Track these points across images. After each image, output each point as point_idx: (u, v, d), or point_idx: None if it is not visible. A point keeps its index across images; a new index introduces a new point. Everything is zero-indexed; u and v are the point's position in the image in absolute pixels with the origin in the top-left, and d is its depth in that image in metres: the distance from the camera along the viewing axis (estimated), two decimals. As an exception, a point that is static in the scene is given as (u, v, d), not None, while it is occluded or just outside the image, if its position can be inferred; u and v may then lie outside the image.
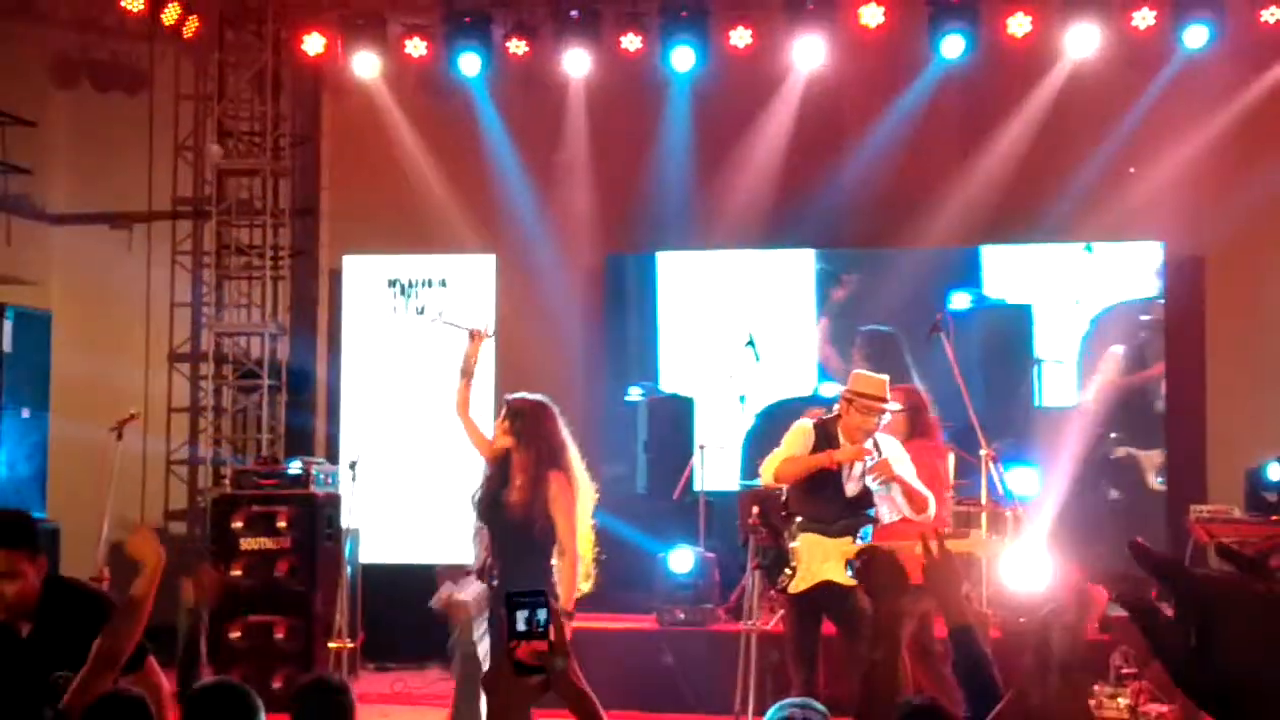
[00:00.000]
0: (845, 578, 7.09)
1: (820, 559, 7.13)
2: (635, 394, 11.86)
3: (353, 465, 10.08)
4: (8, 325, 10.64)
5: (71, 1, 12.42)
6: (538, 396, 6.92)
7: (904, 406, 7.46)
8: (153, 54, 12.67)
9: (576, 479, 6.75)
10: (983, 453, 9.51)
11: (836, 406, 7.37)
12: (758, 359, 10.39)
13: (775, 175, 11.54)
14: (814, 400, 10.38)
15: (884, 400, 7.21)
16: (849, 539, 7.12)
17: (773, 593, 7.60)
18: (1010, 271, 11.62)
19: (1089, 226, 11.19)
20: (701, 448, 10.60)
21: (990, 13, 11.06)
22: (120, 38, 12.53)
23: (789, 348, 11.54)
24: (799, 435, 7.32)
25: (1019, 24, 10.96)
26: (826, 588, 7.13)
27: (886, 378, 7.38)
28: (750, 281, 11.87)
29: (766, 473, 7.35)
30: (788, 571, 7.17)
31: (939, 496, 7.44)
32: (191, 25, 11.95)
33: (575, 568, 6.60)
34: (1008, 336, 11.44)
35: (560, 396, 11.69)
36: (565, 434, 6.85)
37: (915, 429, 7.71)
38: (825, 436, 7.27)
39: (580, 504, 6.77)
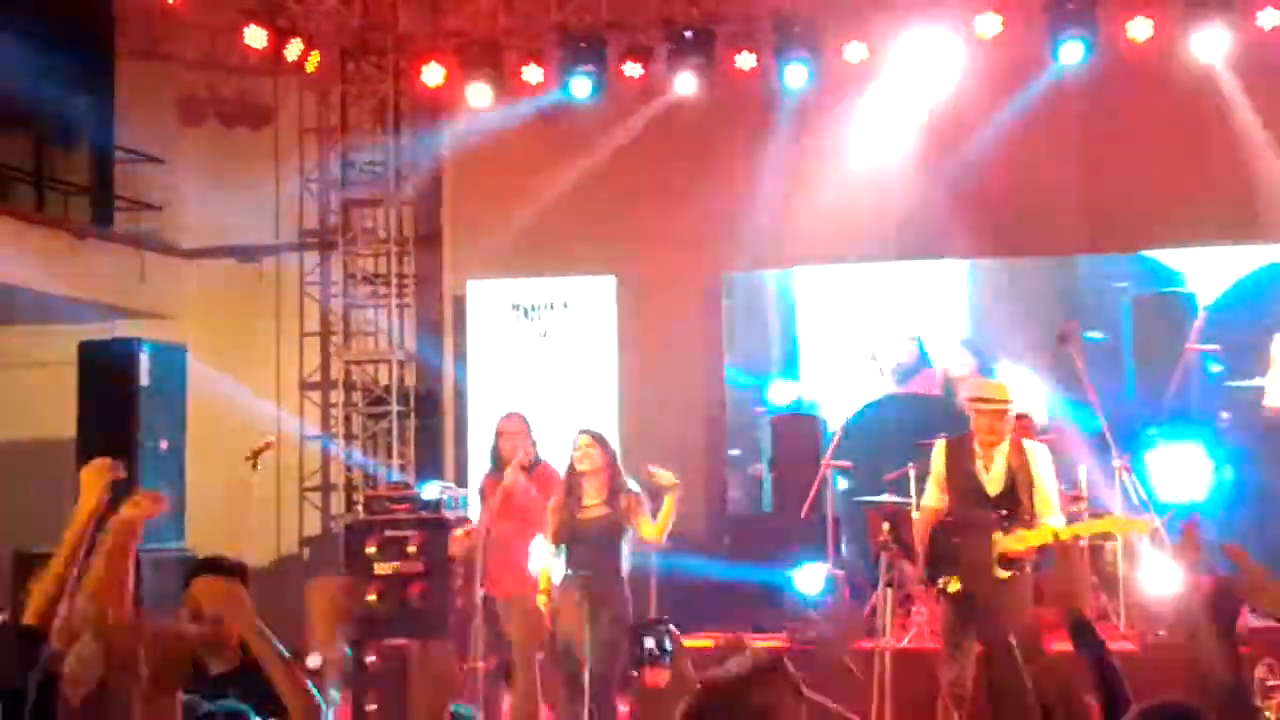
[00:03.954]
0: (1000, 573, 7.06)
1: (975, 557, 7.12)
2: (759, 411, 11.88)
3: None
4: (145, 360, 10.88)
5: (197, 41, 12.71)
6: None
7: (1008, 404, 7.37)
8: (277, 89, 12.92)
9: None
10: (1116, 463, 9.37)
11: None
12: (883, 374, 10.33)
13: (895, 187, 11.46)
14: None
15: (996, 401, 7.20)
16: (999, 534, 7.10)
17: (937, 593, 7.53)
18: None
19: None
20: (830, 466, 10.54)
21: (1109, 18, 10.89)
22: (245, 74, 12.80)
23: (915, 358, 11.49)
24: (935, 455, 7.42)
25: (1140, 28, 10.78)
26: (983, 584, 7.10)
27: (1005, 381, 7.40)
28: (877, 295, 11.82)
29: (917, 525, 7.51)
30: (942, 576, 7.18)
31: None
32: (314, 60, 12.16)
33: None
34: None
35: (682, 414, 11.82)
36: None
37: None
38: (959, 450, 7.29)
39: None
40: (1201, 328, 10.87)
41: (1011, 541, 7.02)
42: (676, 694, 2.85)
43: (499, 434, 8.50)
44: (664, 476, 7.36)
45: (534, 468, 8.25)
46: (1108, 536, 9.03)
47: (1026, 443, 7.36)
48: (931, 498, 7.46)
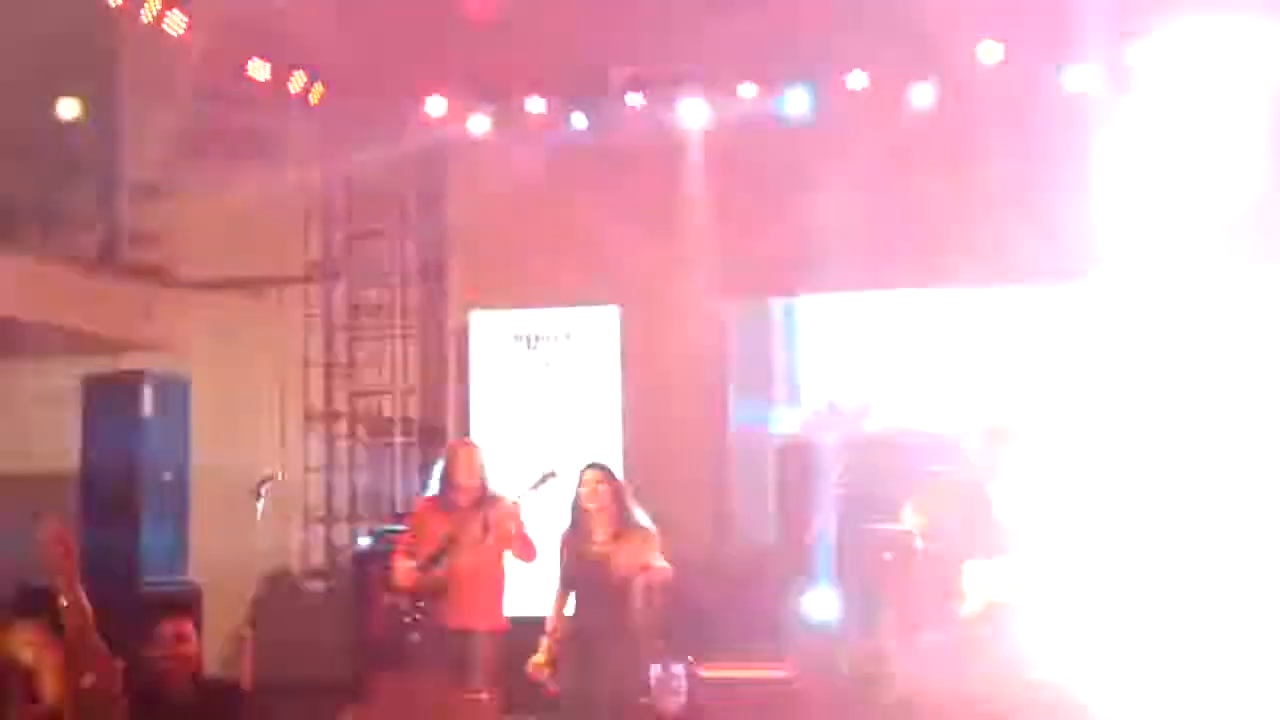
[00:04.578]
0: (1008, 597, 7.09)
1: (984, 584, 7.13)
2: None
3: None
4: (148, 392, 10.90)
5: (200, 73, 12.75)
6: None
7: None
8: (281, 122, 12.95)
9: None
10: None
11: None
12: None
13: (898, 212, 11.47)
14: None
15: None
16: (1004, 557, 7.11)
17: None
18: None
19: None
20: (835, 491, 10.53)
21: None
22: (249, 107, 12.82)
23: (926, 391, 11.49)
24: None
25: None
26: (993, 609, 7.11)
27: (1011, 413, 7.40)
28: (885, 323, 11.82)
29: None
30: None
31: None
32: (317, 92, 12.20)
33: None
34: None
35: (686, 443, 11.82)
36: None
37: None
38: None
39: None
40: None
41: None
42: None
43: (450, 459, 8.31)
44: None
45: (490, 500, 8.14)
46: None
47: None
48: None
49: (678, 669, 7.32)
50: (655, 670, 7.50)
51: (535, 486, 7.89)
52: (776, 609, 9.94)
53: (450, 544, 7.90)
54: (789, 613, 9.81)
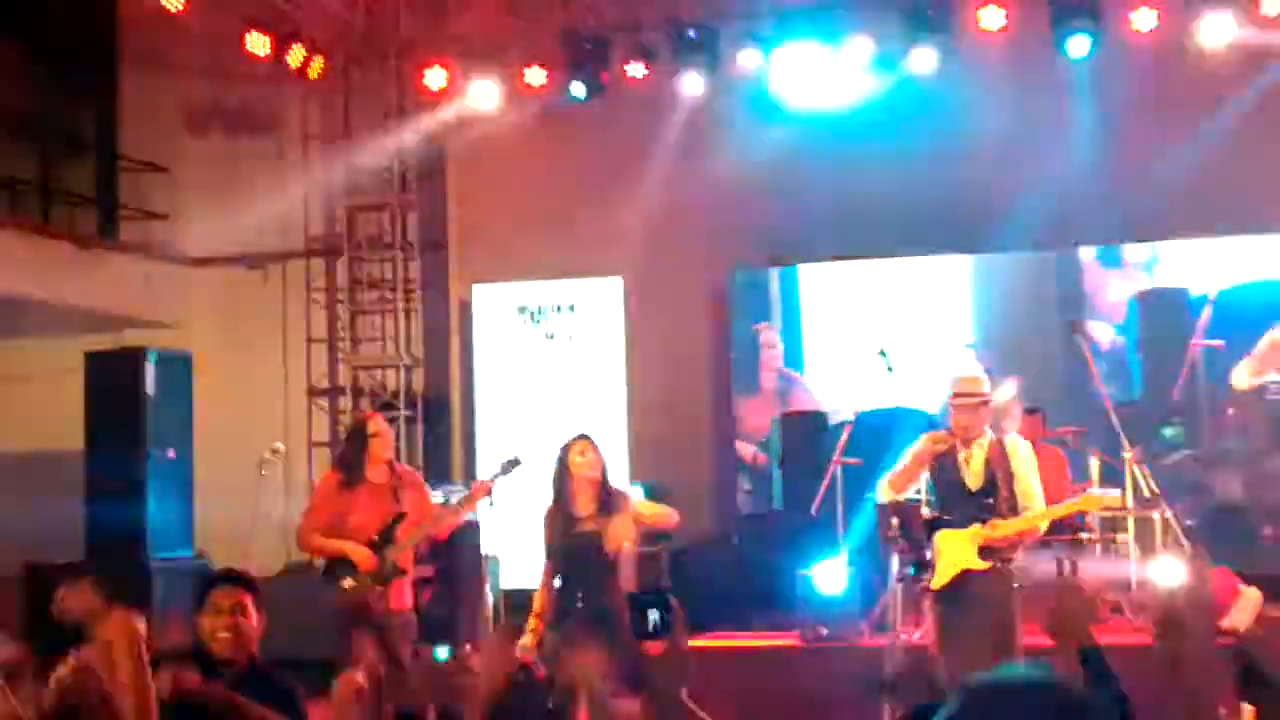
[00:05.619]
0: (979, 564, 7.04)
1: (955, 551, 7.10)
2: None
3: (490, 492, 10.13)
4: (150, 369, 10.89)
5: (201, 50, 12.71)
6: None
7: (988, 397, 7.33)
8: (281, 97, 12.92)
9: None
10: (1125, 455, 9.35)
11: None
12: (890, 370, 10.26)
13: (897, 183, 11.42)
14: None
15: (972, 395, 7.16)
16: (976, 526, 7.07)
17: (921, 590, 7.52)
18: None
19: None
20: (839, 462, 10.51)
21: (1112, 8, 10.86)
22: (249, 82, 12.78)
23: (925, 358, 11.44)
24: (912, 446, 7.33)
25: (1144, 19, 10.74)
26: (963, 577, 7.08)
27: (979, 374, 7.33)
28: (883, 291, 11.79)
29: (880, 489, 7.37)
30: (928, 573, 7.17)
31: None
32: (316, 66, 12.12)
33: None
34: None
35: (690, 413, 11.81)
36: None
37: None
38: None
39: None
40: (1207, 323, 10.82)
41: (989, 530, 7.02)
42: (674, 665, 2.81)
43: (374, 435, 7.88)
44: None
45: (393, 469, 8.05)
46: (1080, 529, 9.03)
47: (1007, 437, 7.31)
48: (899, 467, 7.34)
49: (666, 612, 7.21)
50: (646, 613, 7.38)
51: (500, 475, 7.82)
52: (782, 579, 9.92)
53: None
54: (797, 584, 9.78)
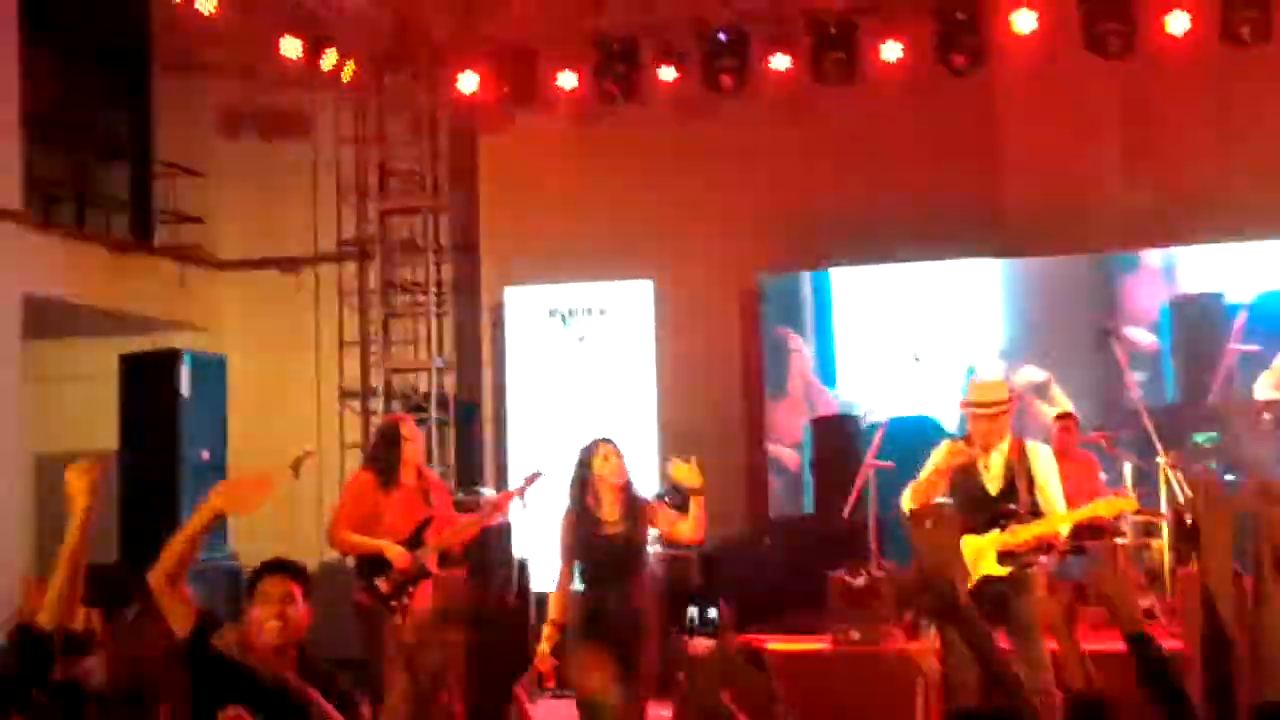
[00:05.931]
0: (999, 569, 7.02)
1: (974, 557, 7.08)
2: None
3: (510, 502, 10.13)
4: (185, 371, 10.95)
5: (234, 54, 12.77)
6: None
7: (1007, 405, 7.29)
8: (313, 100, 12.97)
9: None
10: (1160, 460, 9.31)
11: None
12: (917, 360, 10.23)
13: (932, 185, 11.41)
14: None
15: (986, 404, 7.13)
16: (995, 531, 7.05)
17: None
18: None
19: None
20: (871, 465, 10.48)
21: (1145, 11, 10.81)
22: (282, 86, 12.83)
23: (959, 362, 11.42)
24: (933, 455, 7.28)
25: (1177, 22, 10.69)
26: (985, 583, 7.05)
27: (997, 380, 7.31)
28: (918, 295, 11.76)
29: (905, 498, 7.31)
30: None
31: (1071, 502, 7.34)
32: (349, 70, 12.18)
33: None
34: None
35: (721, 416, 11.80)
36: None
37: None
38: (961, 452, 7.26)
39: None
40: (1242, 328, 10.78)
41: (1009, 536, 7.00)
42: (720, 666, 2.81)
43: (407, 439, 7.96)
44: (683, 472, 7.05)
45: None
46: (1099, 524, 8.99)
47: (1028, 442, 7.28)
48: (921, 478, 7.27)
49: (712, 611, 7.12)
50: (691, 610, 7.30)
51: (523, 489, 7.82)
52: (813, 582, 9.89)
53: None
54: (828, 587, 9.75)
